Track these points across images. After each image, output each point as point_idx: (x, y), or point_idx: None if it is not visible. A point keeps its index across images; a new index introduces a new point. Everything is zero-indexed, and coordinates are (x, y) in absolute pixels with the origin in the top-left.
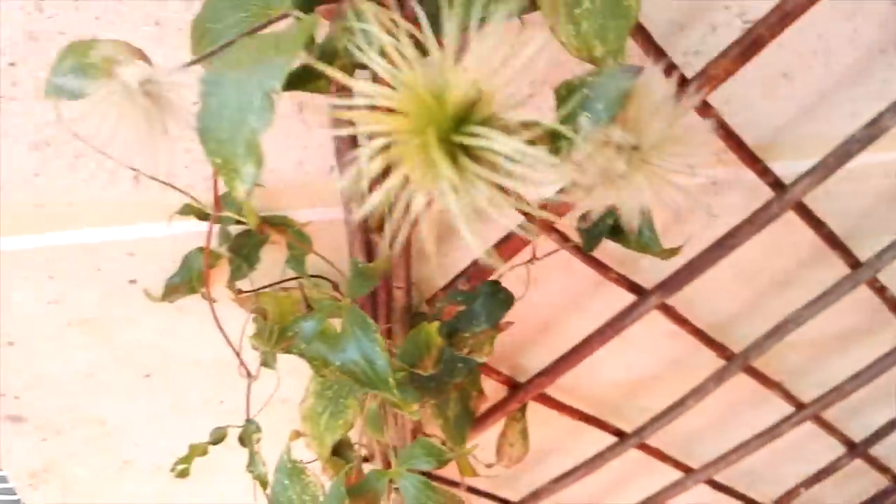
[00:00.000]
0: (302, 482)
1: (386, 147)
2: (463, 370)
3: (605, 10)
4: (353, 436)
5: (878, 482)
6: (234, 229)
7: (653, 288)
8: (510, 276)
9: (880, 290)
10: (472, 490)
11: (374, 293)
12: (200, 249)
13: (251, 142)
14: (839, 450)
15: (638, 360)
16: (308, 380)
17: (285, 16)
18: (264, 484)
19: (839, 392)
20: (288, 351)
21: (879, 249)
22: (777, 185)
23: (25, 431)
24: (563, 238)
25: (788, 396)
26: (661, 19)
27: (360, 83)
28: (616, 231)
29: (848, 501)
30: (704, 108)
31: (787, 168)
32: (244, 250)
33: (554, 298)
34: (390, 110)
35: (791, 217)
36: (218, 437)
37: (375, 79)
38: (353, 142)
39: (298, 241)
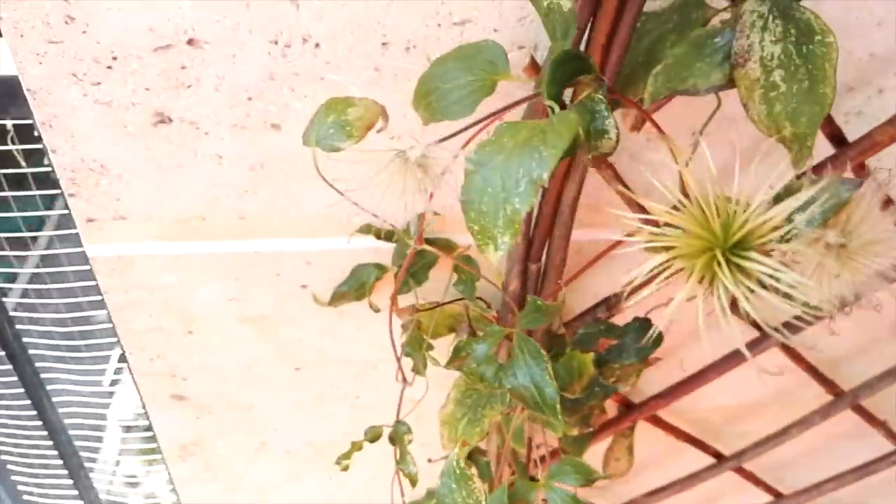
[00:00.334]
0: (468, 487)
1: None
2: (600, 394)
3: (800, 96)
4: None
5: None
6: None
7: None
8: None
9: None
10: None
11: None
12: (371, 265)
13: (512, 219)
14: None
15: (745, 387)
16: (450, 388)
17: (535, 96)
18: (414, 482)
19: None
20: (458, 368)
21: None
22: None
23: (185, 409)
24: None
25: (890, 435)
26: None
27: (655, 206)
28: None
29: None
30: (860, 168)
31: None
32: (414, 268)
33: (677, 326)
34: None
35: None
36: (374, 436)
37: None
38: None
39: (466, 265)
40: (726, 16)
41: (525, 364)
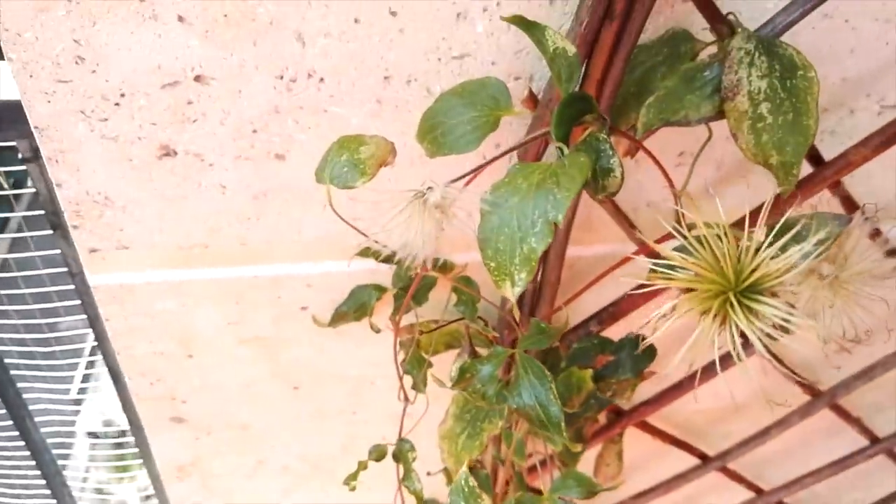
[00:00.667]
0: None
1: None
2: (595, 406)
3: (786, 127)
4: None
5: None
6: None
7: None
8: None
9: None
10: None
11: (516, 326)
12: (371, 286)
13: (529, 257)
14: None
15: (726, 389)
16: (449, 403)
17: (544, 135)
18: (420, 500)
19: None
20: (464, 389)
21: None
22: (891, 252)
23: (183, 431)
24: None
25: (865, 430)
26: None
27: (670, 252)
28: None
29: None
30: (835, 184)
31: None
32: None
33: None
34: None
35: None
36: (379, 455)
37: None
38: None
39: (467, 286)
40: (713, 49)
41: (530, 384)
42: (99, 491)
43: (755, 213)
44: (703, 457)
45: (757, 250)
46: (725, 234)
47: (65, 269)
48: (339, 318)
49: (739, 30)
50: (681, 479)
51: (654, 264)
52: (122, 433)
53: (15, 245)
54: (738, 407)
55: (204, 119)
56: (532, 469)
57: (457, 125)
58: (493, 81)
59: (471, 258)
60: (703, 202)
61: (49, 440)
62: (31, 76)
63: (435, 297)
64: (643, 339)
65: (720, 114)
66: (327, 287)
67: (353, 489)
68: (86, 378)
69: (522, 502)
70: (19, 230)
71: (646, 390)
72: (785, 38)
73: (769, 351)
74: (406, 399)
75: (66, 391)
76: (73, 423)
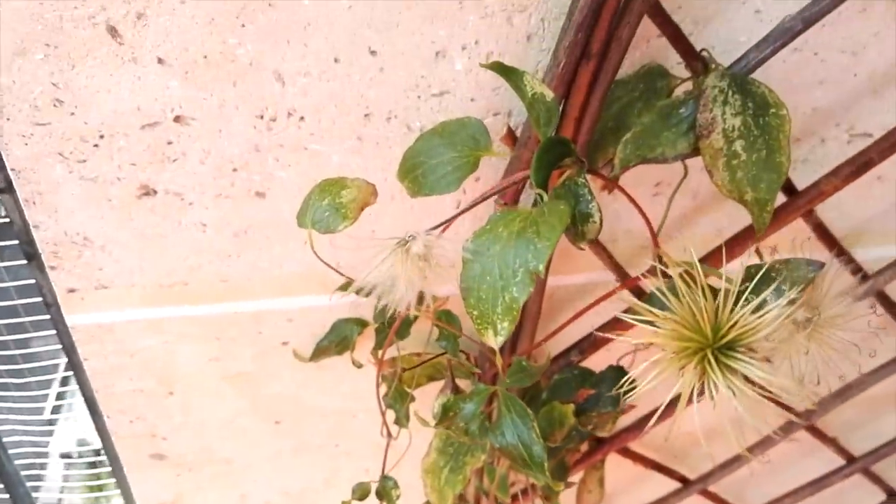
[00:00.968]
0: None
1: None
2: (577, 438)
3: (759, 164)
4: None
5: None
6: None
7: None
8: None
9: None
10: None
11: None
12: (352, 320)
13: (510, 306)
14: (880, 496)
15: (705, 411)
16: (432, 437)
17: (524, 178)
18: None
19: (890, 447)
20: (447, 427)
21: None
22: (861, 273)
23: (164, 468)
24: None
25: (841, 450)
26: None
27: (650, 309)
28: None
29: None
30: (808, 213)
31: (868, 254)
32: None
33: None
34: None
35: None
36: (362, 493)
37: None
38: None
39: (448, 321)
40: (689, 86)
41: (512, 423)
42: None
43: (732, 245)
44: (684, 480)
45: (735, 304)
46: (703, 289)
47: (39, 300)
48: (320, 352)
49: (713, 67)
50: (662, 503)
51: (634, 319)
52: (97, 452)
53: None
54: (717, 431)
55: (184, 158)
56: (515, 498)
57: (437, 165)
58: (472, 122)
59: (452, 291)
60: (681, 231)
61: (18, 462)
62: (7, 119)
63: (417, 329)
64: (622, 371)
65: (696, 151)
66: (308, 322)
67: None
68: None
69: None
70: None
71: (626, 416)
72: (757, 71)
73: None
74: (389, 435)
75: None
76: (46, 445)
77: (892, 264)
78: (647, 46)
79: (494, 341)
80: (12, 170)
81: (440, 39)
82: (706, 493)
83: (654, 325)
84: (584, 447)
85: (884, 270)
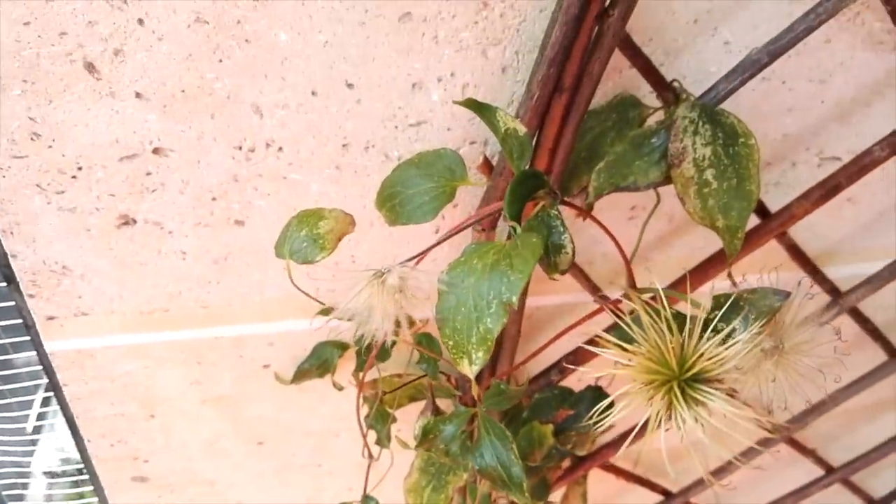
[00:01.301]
0: None
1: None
2: (556, 457)
3: (730, 192)
4: None
5: None
6: None
7: None
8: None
9: None
10: None
11: (477, 379)
12: (333, 343)
13: (485, 337)
14: None
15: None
16: (414, 457)
17: (499, 210)
18: None
19: (867, 458)
20: (427, 449)
21: None
22: (834, 291)
23: (146, 490)
24: None
25: (820, 461)
26: None
27: (616, 342)
28: None
29: None
30: (781, 234)
31: (840, 272)
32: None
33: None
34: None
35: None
36: None
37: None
38: None
39: (427, 345)
40: (661, 115)
41: (491, 444)
42: None
43: (699, 272)
44: (667, 493)
45: (701, 336)
46: (668, 323)
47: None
48: (301, 375)
49: (684, 97)
50: None
51: (602, 352)
52: (80, 471)
53: None
54: (696, 442)
55: (163, 189)
56: None
57: (414, 195)
58: (448, 153)
59: (430, 314)
60: (656, 253)
61: (1, 480)
62: None
63: (398, 351)
64: (601, 392)
65: (668, 179)
66: (289, 345)
67: None
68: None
69: None
70: None
71: (606, 433)
72: (728, 100)
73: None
74: (370, 456)
75: (22, 430)
76: (28, 464)
77: (863, 282)
78: (620, 77)
79: (470, 370)
80: None
81: (416, 72)
82: None
83: (623, 355)
84: (566, 463)
85: (856, 288)
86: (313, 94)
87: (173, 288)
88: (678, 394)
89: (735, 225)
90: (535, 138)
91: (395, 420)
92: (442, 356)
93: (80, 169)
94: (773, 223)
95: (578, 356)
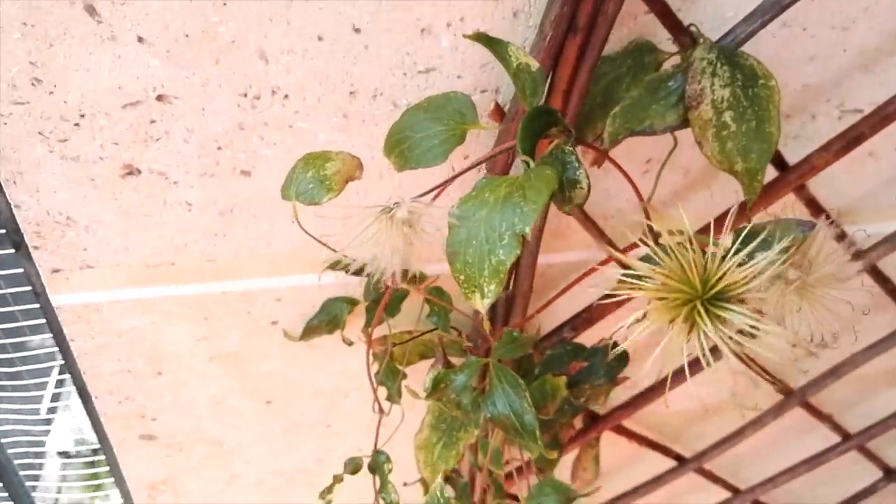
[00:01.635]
0: None
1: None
2: (570, 412)
3: (749, 134)
4: None
5: None
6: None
7: None
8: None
9: None
10: None
11: (491, 333)
12: (342, 299)
13: (497, 269)
14: (876, 474)
15: (700, 391)
16: (425, 413)
17: (511, 148)
18: None
19: (884, 425)
20: (438, 399)
21: None
22: (854, 248)
23: (154, 448)
24: None
25: (836, 427)
26: None
27: (637, 263)
28: None
29: None
30: (799, 188)
31: (864, 230)
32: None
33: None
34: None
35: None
36: (354, 468)
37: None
38: None
39: (439, 297)
40: (677, 60)
41: (504, 393)
42: None
43: (722, 219)
44: (680, 458)
45: (723, 258)
46: (691, 242)
47: (28, 288)
48: (310, 331)
49: (701, 40)
50: (658, 482)
51: (623, 275)
52: (95, 451)
53: None
54: (712, 408)
55: (167, 137)
56: (509, 475)
57: (423, 139)
58: (458, 96)
59: (443, 269)
60: (671, 209)
61: (17, 460)
62: None
63: (408, 308)
64: (615, 345)
65: (685, 122)
66: (297, 301)
67: (328, 503)
68: (56, 397)
69: None
70: None
71: (620, 394)
72: (746, 47)
73: (738, 355)
74: (381, 411)
75: (36, 411)
76: (43, 444)
77: (885, 240)
78: (635, 23)
79: (481, 304)
80: None
81: (425, 16)
82: (702, 472)
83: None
84: (579, 424)
85: (877, 245)
86: (319, 38)
87: (179, 240)
88: (701, 311)
89: (755, 167)
90: (548, 80)
91: (405, 376)
92: (453, 307)
93: (82, 116)
94: (791, 175)
95: (593, 313)
